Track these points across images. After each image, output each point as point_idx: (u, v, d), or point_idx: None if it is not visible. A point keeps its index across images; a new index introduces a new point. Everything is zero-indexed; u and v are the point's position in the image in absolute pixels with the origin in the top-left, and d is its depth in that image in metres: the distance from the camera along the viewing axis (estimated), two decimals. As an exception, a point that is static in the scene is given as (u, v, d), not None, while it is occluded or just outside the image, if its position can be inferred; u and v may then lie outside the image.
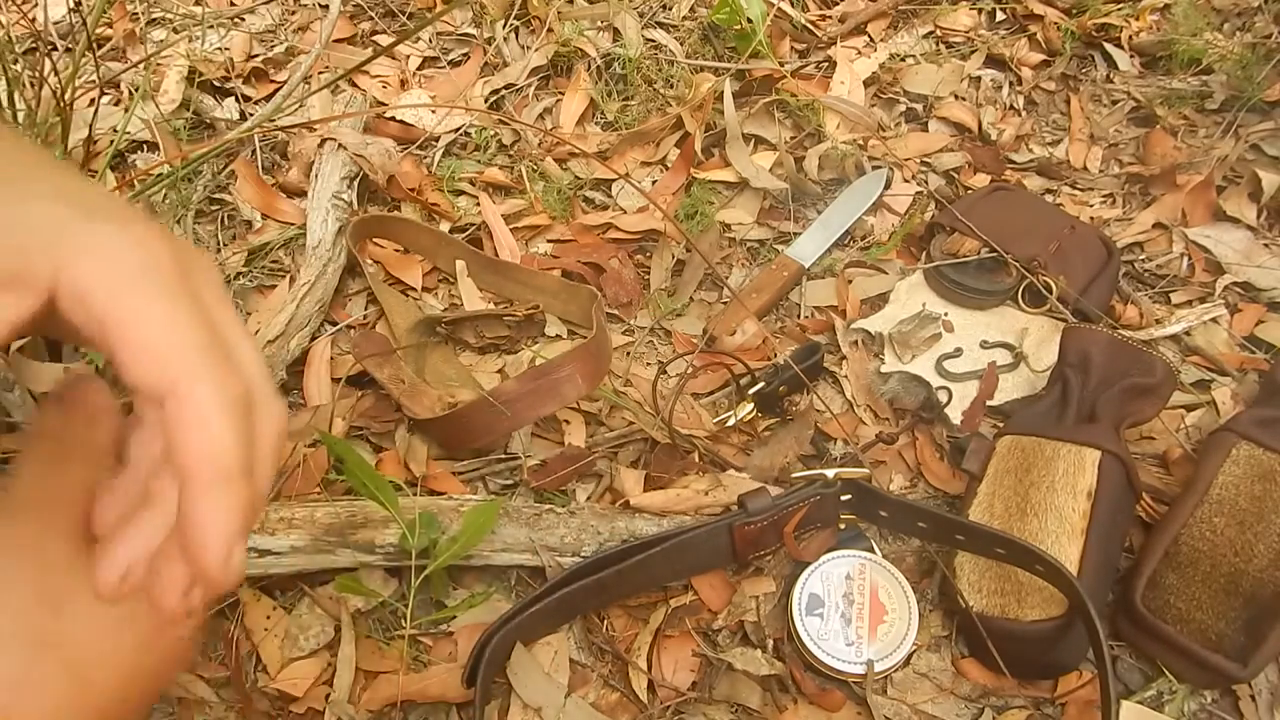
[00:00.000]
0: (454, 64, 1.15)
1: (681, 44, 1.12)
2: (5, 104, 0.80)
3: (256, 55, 1.14)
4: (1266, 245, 0.91)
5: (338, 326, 0.88)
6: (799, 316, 0.89)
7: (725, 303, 0.89)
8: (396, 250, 0.95)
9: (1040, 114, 1.08)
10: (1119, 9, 1.14)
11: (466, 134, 1.06)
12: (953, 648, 0.68)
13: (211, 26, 1.16)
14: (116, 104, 1.08)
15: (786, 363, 0.78)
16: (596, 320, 0.81)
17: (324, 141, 0.99)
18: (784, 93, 1.04)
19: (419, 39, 1.17)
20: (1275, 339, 0.84)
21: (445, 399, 0.80)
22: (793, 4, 1.16)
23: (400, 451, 0.79)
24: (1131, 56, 1.11)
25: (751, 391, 0.78)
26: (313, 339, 0.85)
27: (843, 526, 0.73)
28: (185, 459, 0.26)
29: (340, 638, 0.69)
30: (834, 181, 0.99)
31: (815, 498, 0.70)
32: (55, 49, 1.07)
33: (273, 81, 1.12)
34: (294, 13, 1.22)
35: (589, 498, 0.76)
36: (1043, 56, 1.12)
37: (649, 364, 0.86)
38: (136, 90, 1.03)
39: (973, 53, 1.13)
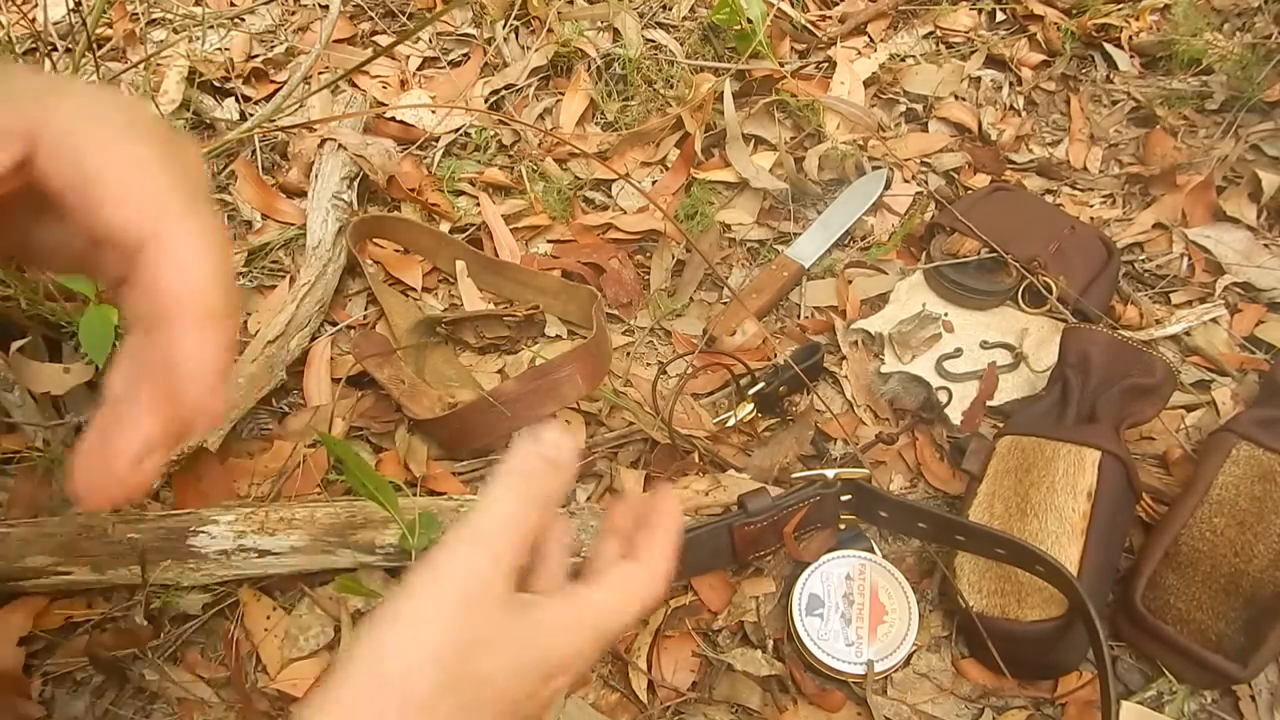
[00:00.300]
0: (454, 64, 1.15)
1: (681, 44, 1.12)
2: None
3: (256, 55, 1.14)
4: (1266, 245, 0.91)
5: (338, 327, 0.88)
6: (799, 317, 0.89)
7: (725, 303, 0.89)
8: (396, 250, 0.95)
9: (1040, 114, 1.08)
10: (1119, 9, 1.14)
11: (466, 134, 1.06)
12: (953, 648, 0.68)
13: (211, 27, 1.16)
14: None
15: (786, 363, 0.78)
16: (596, 320, 0.81)
17: (324, 142, 0.99)
18: (784, 93, 1.04)
19: (419, 39, 1.17)
20: (1275, 339, 0.84)
21: (445, 399, 0.80)
22: (793, 4, 1.16)
23: (400, 452, 0.79)
24: (1131, 57, 1.11)
25: (751, 392, 0.78)
26: (313, 339, 0.85)
27: (843, 527, 0.73)
28: (171, 298, 0.26)
29: (340, 638, 0.69)
30: (834, 182, 0.99)
31: (815, 498, 0.70)
32: (55, 49, 1.07)
33: (273, 82, 1.12)
34: (294, 13, 1.22)
35: (589, 498, 0.76)
36: (1043, 57, 1.12)
37: (649, 364, 0.86)
38: (136, 90, 1.03)
39: (973, 53, 1.13)
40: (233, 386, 0.77)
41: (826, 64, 1.11)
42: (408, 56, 1.15)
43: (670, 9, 1.16)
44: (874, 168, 0.99)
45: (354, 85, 1.11)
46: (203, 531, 0.69)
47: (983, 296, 0.86)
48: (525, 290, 0.90)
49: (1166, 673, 0.65)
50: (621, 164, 1.02)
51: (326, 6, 1.20)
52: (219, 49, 1.13)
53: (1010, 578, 0.66)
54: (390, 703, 0.30)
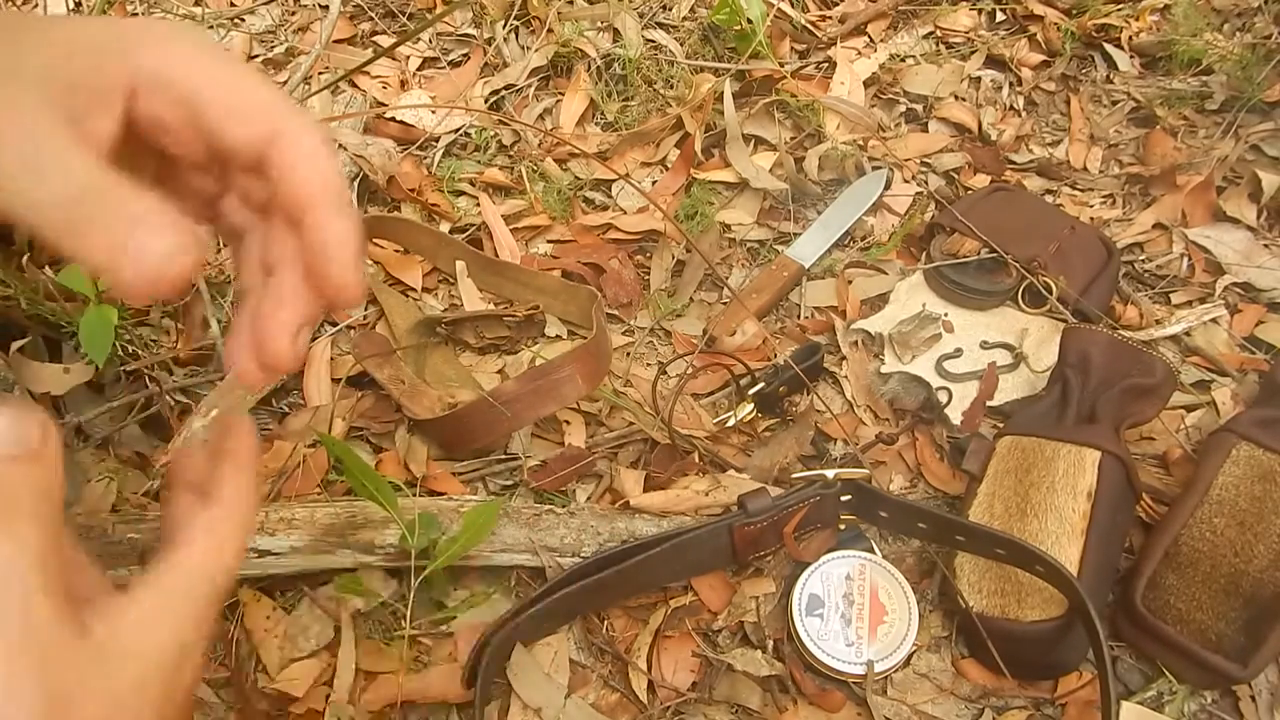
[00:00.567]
0: (454, 64, 1.15)
1: (681, 44, 1.12)
2: None
3: (256, 56, 1.14)
4: (1266, 245, 0.91)
5: (338, 327, 0.88)
6: (799, 317, 0.89)
7: (725, 303, 0.89)
8: (396, 251, 0.95)
9: (1040, 114, 1.08)
10: (1119, 9, 1.14)
11: (466, 134, 1.06)
12: (953, 648, 0.68)
13: (211, 27, 1.16)
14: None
15: (786, 363, 0.78)
16: (596, 320, 0.81)
17: (324, 142, 0.99)
18: (784, 93, 1.04)
19: (419, 39, 1.17)
20: (1275, 339, 0.84)
21: (445, 399, 0.80)
22: (793, 4, 1.16)
23: (400, 452, 0.79)
24: (1131, 57, 1.11)
25: (751, 392, 0.78)
26: (313, 339, 0.85)
27: (843, 527, 0.73)
28: (307, 189, 0.29)
29: (340, 638, 0.69)
30: (834, 182, 0.99)
31: (815, 498, 0.70)
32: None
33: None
34: (294, 13, 1.22)
35: (589, 498, 0.76)
36: (1043, 57, 1.12)
37: (649, 364, 0.86)
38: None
39: (973, 53, 1.13)
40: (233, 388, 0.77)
41: (826, 64, 1.11)
42: (408, 57, 1.15)
43: (670, 9, 1.16)
44: (874, 168, 0.99)
45: (354, 85, 1.11)
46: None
47: (983, 296, 0.86)
48: (525, 290, 0.90)
49: (1166, 673, 0.65)
50: (621, 164, 1.02)
51: (326, 6, 1.20)
52: (219, 49, 1.13)
53: (1010, 578, 0.66)
54: None
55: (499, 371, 0.85)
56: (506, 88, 1.10)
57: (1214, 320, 0.86)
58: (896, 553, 0.73)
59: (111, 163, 0.27)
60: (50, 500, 0.26)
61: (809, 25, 1.14)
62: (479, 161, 1.03)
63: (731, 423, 0.78)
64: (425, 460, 0.78)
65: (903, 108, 1.07)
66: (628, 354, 0.86)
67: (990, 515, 0.69)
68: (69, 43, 0.28)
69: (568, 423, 0.81)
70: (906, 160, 1.01)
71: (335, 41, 1.15)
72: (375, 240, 0.95)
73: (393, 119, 1.05)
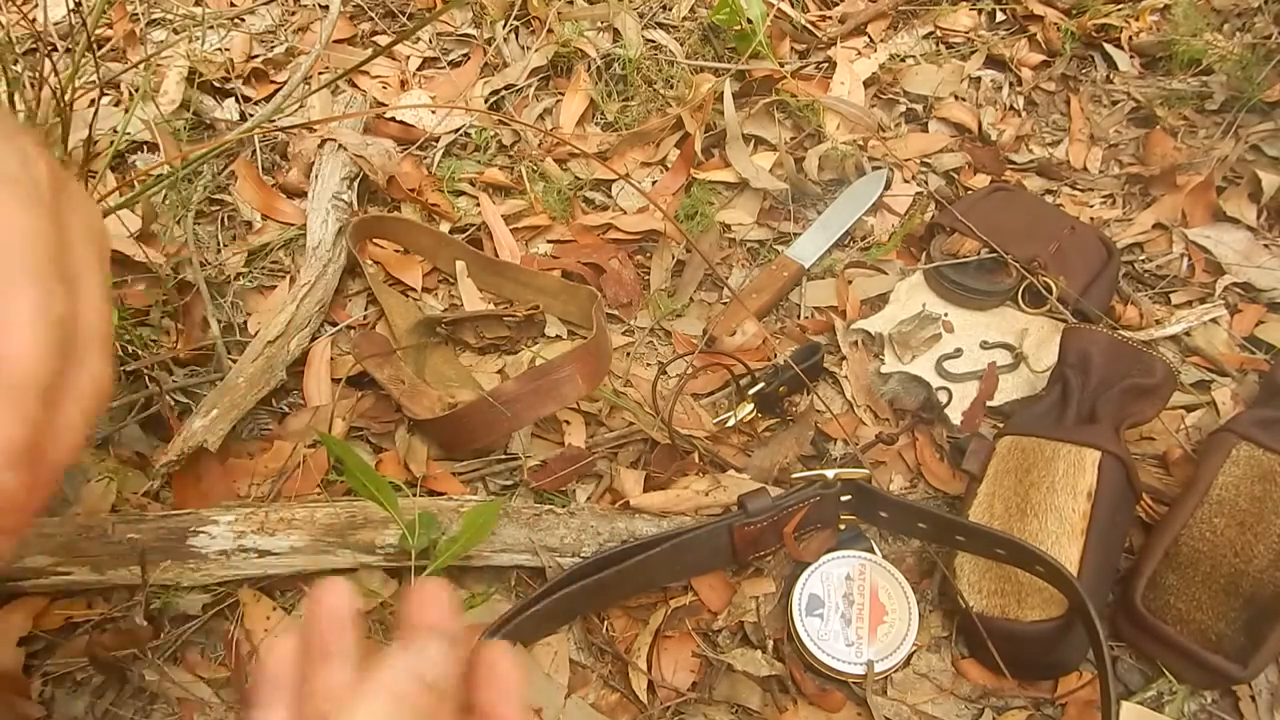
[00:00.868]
0: (454, 64, 1.15)
1: (681, 44, 1.12)
2: (5, 104, 0.80)
3: (256, 56, 1.14)
4: (1266, 245, 0.91)
5: (338, 327, 0.88)
6: (799, 317, 0.89)
7: (725, 303, 0.89)
8: (396, 251, 0.95)
9: (1040, 114, 1.08)
10: (1119, 9, 1.14)
11: (466, 134, 1.06)
12: (953, 648, 0.68)
13: (211, 27, 1.16)
14: (117, 104, 1.08)
15: (786, 363, 0.78)
16: (596, 320, 0.81)
17: (324, 142, 0.99)
18: (784, 93, 1.04)
19: (419, 39, 1.17)
20: (1275, 339, 0.84)
21: (445, 399, 0.80)
22: (793, 4, 1.16)
23: (400, 452, 0.79)
24: (1131, 57, 1.11)
25: (751, 392, 0.78)
26: (313, 339, 0.85)
27: (843, 527, 0.73)
28: None
29: (340, 638, 0.68)
30: (834, 182, 0.99)
31: (815, 498, 0.70)
32: (55, 49, 1.07)
33: (273, 82, 1.12)
34: (294, 13, 1.22)
35: (589, 498, 0.76)
36: (1043, 57, 1.12)
37: (649, 364, 0.86)
38: (136, 91, 1.03)
39: (973, 53, 1.13)
40: (232, 387, 0.77)
41: (826, 64, 1.11)
42: (408, 56, 1.15)
43: (670, 9, 1.16)
44: (874, 168, 0.99)
45: (354, 85, 1.11)
46: (203, 532, 0.69)
47: (983, 296, 0.86)
48: (525, 290, 0.90)
49: (1166, 673, 0.65)
50: (621, 164, 1.02)
51: (326, 6, 1.20)
52: (219, 49, 1.13)
53: (1010, 578, 0.66)
54: None
55: (499, 371, 0.85)
56: (506, 88, 1.10)
57: (1214, 320, 0.86)
58: (896, 553, 0.73)
59: None
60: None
61: (809, 25, 1.14)
62: (479, 161, 1.03)
63: (731, 423, 0.78)
64: (425, 460, 0.78)
65: (903, 108, 1.07)
66: (628, 354, 0.86)
67: (990, 515, 0.69)
68: None
69: (568, 423, 0.81)
70: (906, 160, 1.01)
71: (335, 41, 1.15)
72: (375, 240, 0.95)
73: (393, 119, 1.05)
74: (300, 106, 1.05)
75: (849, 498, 0.71)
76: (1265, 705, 0.64)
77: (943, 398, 0.81)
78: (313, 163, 0.98)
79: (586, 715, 0.65)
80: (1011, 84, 1.10)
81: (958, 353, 0.84)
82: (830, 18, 1.17)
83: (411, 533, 0.67)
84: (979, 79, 1.10)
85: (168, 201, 0.95)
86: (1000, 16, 1.17)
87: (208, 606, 0.70)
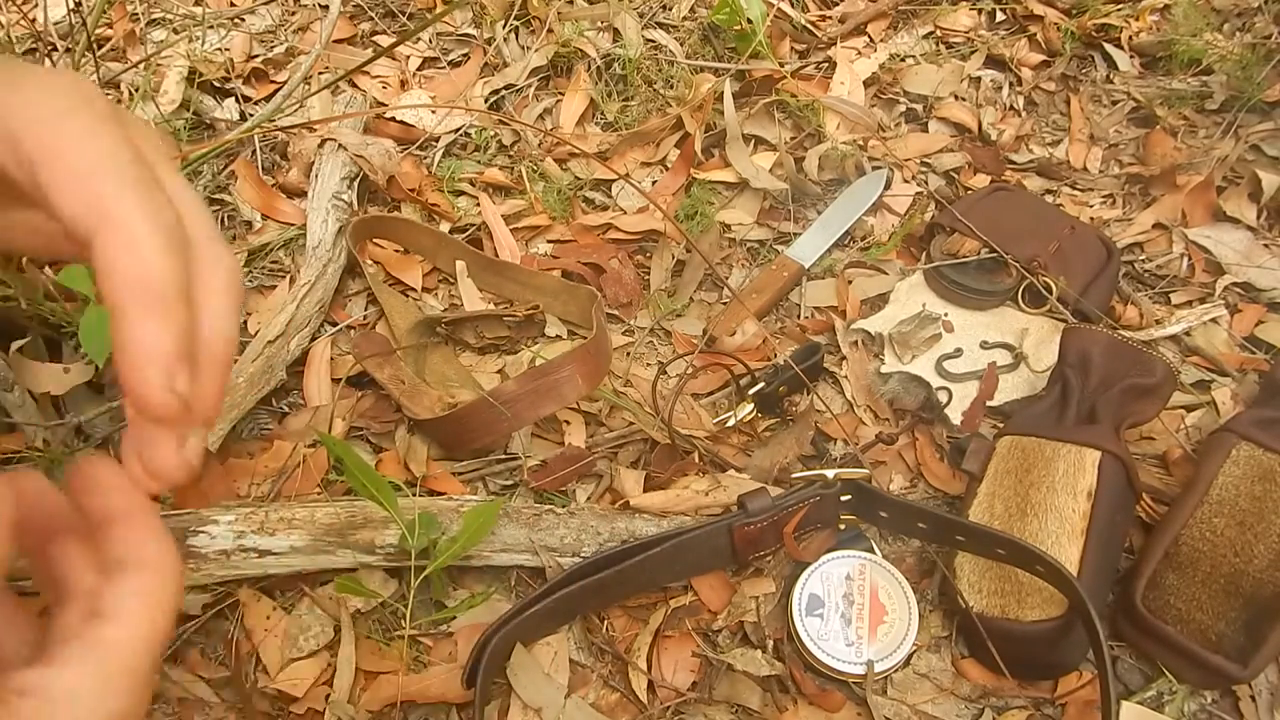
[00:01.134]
0: (454, 64, 1.15)
1: (681, 44, 1.12)
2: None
3: (256, 55, 1.14)
4: (1266, 245, 0.91)
5: (338, 327, 0.88)
6: (799, 317, 0.89)
7: (725, 303, 0.89)
8: (396, 250, 0.95)
9: (1040, 114, 1.08)
10: (1119, 9, 1.14)
11: (466, 134, 1.06)
12: (953, 648, 0.68)
13: (211, 27, 1.16)
14: (116, 104, 1.07)
15: (786, 363, 0.78)
16: (596, 320, 0.81)
17: (324, 142, 0.99)
18: (784, 93, 1.04)
19: (419, 39, 1.17)
20: (1275, 339, 0.84)
21: (445, 399, 0.80)
22: (793, 4, 1.16)
23: (400, 452, 0.79)
24: (1131, 57, 1.11)
25: (751, 392, 0.78)
26: (313, 339, 0.85)
27: (843, 527, 0.73)
28: (116, 287, 0.24)
29: (340, 638, 0.69)
30: (834, 182, 0.99)
31: (815, 498, 0.70)
32: (55, 49, 1.07)
33: (273, 82, 1.12)
34: (294, 13, 1.22)
35: (589, 498, 0.76)
36: (1043, 57, 1.12)
37: (649, 364, 0.86)
38: (136, 90, 1.03)
39: (973, 53, 1.13)
40: (232, 386, 0.77)
41: (826, 64, 1.11)
42: (408, 57, 1.15)
43: (670, 9, 1.16)
44: (874, 168, 0.99)
45: (354, 85, 1.11)
46: (203, 531, 0.69)
47: (983, 296, 0.86)
48: (525, 290, 0.90)
49: (1166, 673, 0.65)
50: (621, 164, 1.02)
51: (326, 6, 1.20)
52: (219, 49, 1.13)
53: (1010, 578, 0.66)
54: None
55: (499, 371, 0.85)
56: (506, 88, 1.10)
57: (1214, 320, 0.86)
58: (896, 553, 0.73)
59: None
60: None
61: (809, 25, 1.14)
62: (479, 161, 1.03)
63: (731, 423, 0.78)
64: (425, 460, 0.78)
65: (903, 108, 1.07)
66: (628, 354, 0.86)
67: (990, 515, 0.69)
68: None
69: (568, 423, 0.81)
70: (906, 160, 1.01)
71: (335, 41, 1.15)
72: (375, 240, 0.95)
73: (393, 119, 1.05)
74: (300, 106, 1.05)
75: (849, 498, 0.71)
76: (1265, 705, 0.64)
77: (943, 398, 0.81)
78: (313, 162, 0.98)
79: (586, 715, 0.65)
80: (1011, 84, 1.10)
81: (958, 353, 0.84)
82: (830, 18, 1.17)
83: (411, 533, 0.67)
84: (979, 79, 1.10)
85: (168, 201, 0.95)
86: (1000, 16, 1.17)
87: (208, 606, 0.70)
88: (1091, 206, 0.97)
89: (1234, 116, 1.02)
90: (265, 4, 1.22)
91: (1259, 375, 0.82)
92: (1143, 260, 0.92)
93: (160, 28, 1.18)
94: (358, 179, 0.97)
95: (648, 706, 0.66)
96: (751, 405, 0.78)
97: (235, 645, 0.69)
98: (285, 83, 1.05)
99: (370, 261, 0.93)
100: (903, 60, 1.12)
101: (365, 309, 0.90)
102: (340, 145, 0.98)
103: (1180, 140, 1.01)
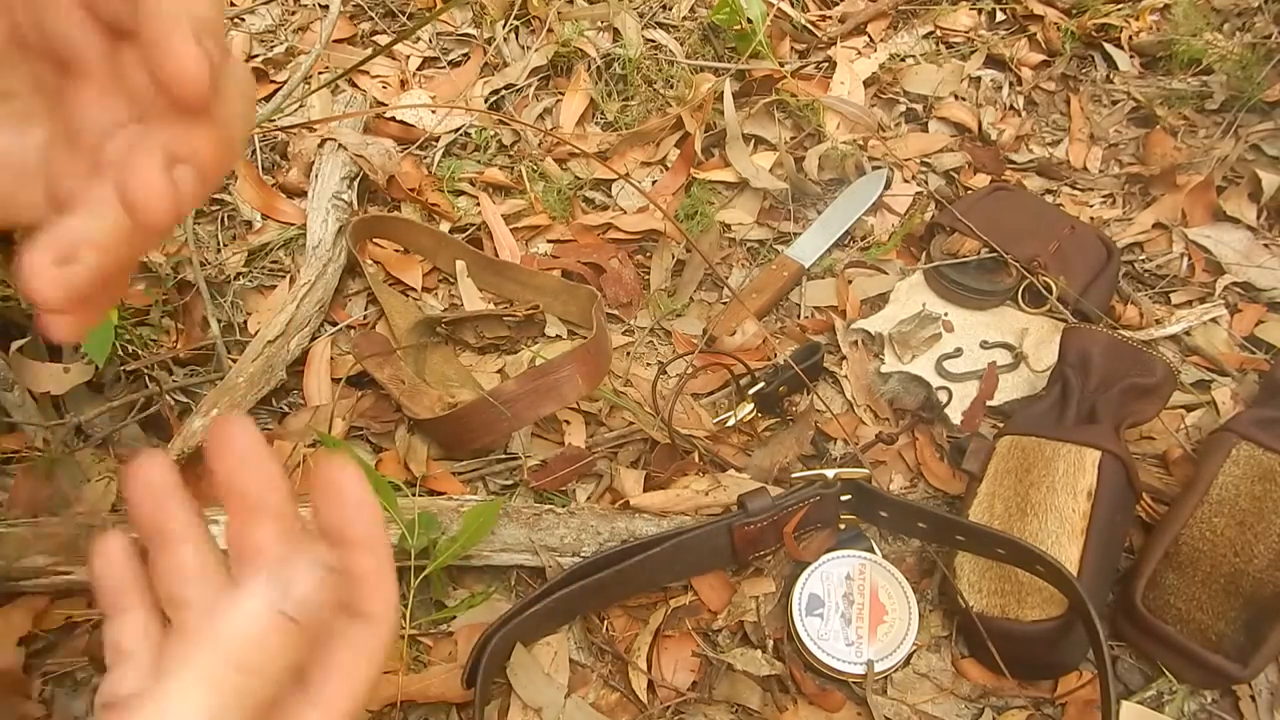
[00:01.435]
0: (454, 64, 1.15)
1: (681, 44, 1.12)
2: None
3: (256, 55, 1.14)
4: (1266, 245, 0.91)
5: (338, 326, 0.88)
6: (799, 316, 0.89)
7: (725, 303, 0.89)
8: (396, 250, 0.95)
9: (1040, 114, 1.08)
10: (1119, 9, 1.14)
11: (466, 134, 1.06)
12: (953, 648, 0.68)
13: (211, 27, 1.16)
14: None
15: (786, 363, 0.78)
16: (596, 320, 0.81)
17: (324, 142, 0.99)
18: (784, 93, 1.04)
19: (419, 39, 1.17)
20: (1275, 339, 0.84)
21: (445, 399, 0.80)
22: (793, 4, 1.16)
23: (400, 451, 0.79)
24: (1131, 56, 1.11)
25: (751, 391, 0.78)
26: (313, 339, 0.85)
27: (843, 527, 0.73)
28: None
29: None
30: (834, 182, 0.99)
31: (815, 498, 0.70)
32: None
33: (273, 82, 1.12)
34: (294, 13, 1.22)
35: (589, 498, 0.76)
36: (1043, 57, 1.12)
37: (649, 364, 0.86)
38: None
39: (973, 53, 1.13)
40: (231, 387, 0.77)
41: (826, 64, 1.11)
42: (408, 56, 1.15)
43: (670, 9, 1.16)
44: (874, 168, 0.99)
45: (354, 85, 1.11)
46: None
47: (983, 296, 0.86)
48: (525, 290, 0.90)
49: (1166, 673, 0.65)
50: (621, 164, 1.02)
51: (326, 6, 1.20)
52: (219, 49, 1.13)
53: (1010, 578, 0.66)
54: None
55: (499, 371, 0.85)
56: (506, 87, 1.10)
57: (1214, 320, 0.86)
58: (896, 553, 0.73)
59: None
60: None
61: (809, 25, 1.14)
62: (479, 161, 1.03)
63: (731, 423, 0.78)
64: (425, 460, 0.78)
65: (903, 107, 1.07)
66: (628, 354, 0.86)
67: (990, 515, 0.69)
68: None
69: (568, 423, 0.81)
70: (906, 160, 1.01)
71: (335, 41, 1.15)
72: (375, 240, 0.95)
73: (393, 119, 1.05)
74: (300, 106, 1.05)
75: (849, 497, 0.71)
76: (1265, 705, 0.64)
77: (943, 397, 0.81)
78: (313, 162, 0.98)
79: (586, 715, 0.65)
80: (1011, 84, 1.10)
81: (958, 352, 0.84)
82: (830, 17, 1.17)
83: (411, 532, 0.67)
84: (979, 79, 1.10)
85: (168, 201, 0.95)
86: (1000, 16, 1.17)
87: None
88: (1091, 206, 0.97)
89: (1234, 116, 1.02)
90: (265, 4, 1.22)
91: (1259, 375, 0.82)
92: (1143, 260, 0.92)
93: (160, 27, 1.18)
94: (358, 179, 0.97)
95: (648, 706, 0.66)
96: (751, 405, 0.78)
97: (235, 645, 0.69)
98: (285, 82, 1.05)
99: (370, 261, 0.93)
100: (903, 60, 1.12)
101: (365, 309, 0.90)
102: (340, 145, 0.98)
103: (1180, 140, 1.01)
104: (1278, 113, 1.01)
